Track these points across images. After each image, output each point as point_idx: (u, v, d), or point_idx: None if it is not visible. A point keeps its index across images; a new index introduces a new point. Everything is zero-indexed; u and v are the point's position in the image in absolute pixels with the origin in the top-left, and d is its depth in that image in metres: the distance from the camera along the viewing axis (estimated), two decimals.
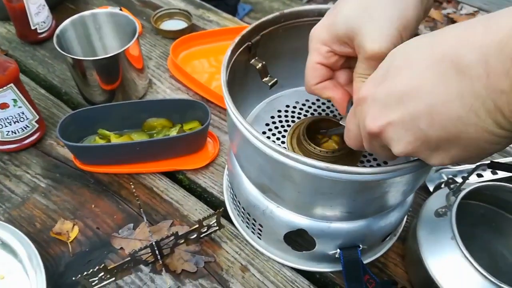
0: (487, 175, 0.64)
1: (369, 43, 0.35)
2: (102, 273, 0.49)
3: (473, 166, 0.64)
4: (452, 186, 0.51)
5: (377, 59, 0.34)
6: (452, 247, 0.47)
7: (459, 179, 0.62)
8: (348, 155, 0.51)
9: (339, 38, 0.38)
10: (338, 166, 0.38)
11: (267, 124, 0.58)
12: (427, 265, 0.49)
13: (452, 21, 2.49)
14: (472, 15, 2.46)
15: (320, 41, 0.40)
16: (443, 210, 0.50)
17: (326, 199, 0.43)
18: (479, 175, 0.64)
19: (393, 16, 0.35)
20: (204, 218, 0.52)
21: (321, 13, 0.54)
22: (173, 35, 0.83)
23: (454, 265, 0.47)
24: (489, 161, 0.46)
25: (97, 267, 0.47)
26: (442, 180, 0.61)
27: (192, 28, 0.86)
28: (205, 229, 0.54)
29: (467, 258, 0.46)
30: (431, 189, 0.61)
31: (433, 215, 0.51)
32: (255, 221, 0.53)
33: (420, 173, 0.43)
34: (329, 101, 0.61)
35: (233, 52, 0.48)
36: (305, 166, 0.39)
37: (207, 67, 0.79)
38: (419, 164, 0.37)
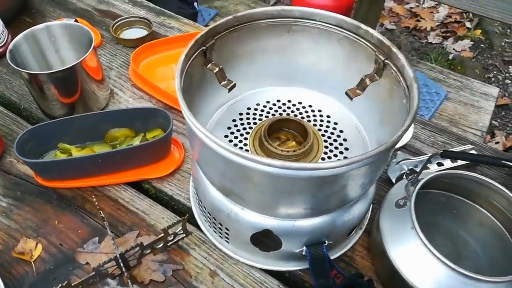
0: (447, 163, 0.66)
1: None
2: None
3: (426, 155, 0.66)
4: (410, 177, 0.53)
5: None
6: (413, 237, 0.49)
7: (431, 174, 0.64)
8: (308, 153, 0.52)
9: None
10: (294, 163, 0.38)
11: (229, 128, 0.58)
12: (390, 256, 0.50)
13: (415, 14, 2.55)
14: (434, 8, 2.53)
15: None
16: (403, 201, 0.52)
17: (287, 197, 0.44)
18: (440, 164, 0.66)
19: None
20: (169, 226, 0.52)
21: (273, 16, 0.55)
22: (134, 43, 0.82)
23: (416, 255, 0.48)
24: (442, 150, 0.48)
25: (60, 285, 0.46)
26: (403, 172, 0.62)
27: (153, 36, 0.85)
28: (172, 237, 0.54)
29: (427, 247, 0.47)
30: (393, 180, 0.63)
31: (394, 206, 0.52)
32: (222, 225, 0.53)
33: (376, 166, 0.44)
34: (289, 101, 0.61)
35: (187, 57, 0.48)
36: (262, 166, 0.39)
37: (170, 74, 0.79)
38: (372, 156, 0.38)
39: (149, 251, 0.53)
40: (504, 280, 0.44)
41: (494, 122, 1.98)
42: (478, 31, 2.42)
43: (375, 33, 0.51)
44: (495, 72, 2.21)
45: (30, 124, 0.71)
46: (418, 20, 2.53)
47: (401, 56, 0.48)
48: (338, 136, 0.57)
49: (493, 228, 0.56)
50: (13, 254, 0.54)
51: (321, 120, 0.59)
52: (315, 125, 0.58)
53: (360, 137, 0.57)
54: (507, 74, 2.20)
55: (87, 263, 0.54)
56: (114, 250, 0.54)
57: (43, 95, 0.66)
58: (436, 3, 2.56)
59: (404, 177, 0.62)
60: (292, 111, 0.60)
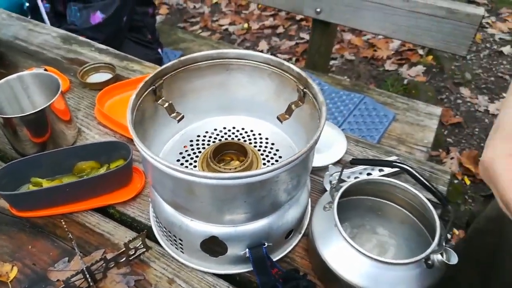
0: (375, 173, 0.76)
1: None
2: None
3: (359, 168, 0.76)
4: (334, 183, 0.62)
5: None
6: (337, 234, 0.58)
7: (351, 179, 0.74)
8: (249, 170, 0.62)
9: None
10: (222, 174, 0.48)
11: (181, 153, 0.67)
12: (320, 253, 0.58)
13: (372, 45, 2.75)
14: (389, 38, 2.73)
15: None
16: (329, 205, 0.61)
17: (224, 204, 0.53)
18: (369, 174, 0.76)
19: None
20: (130, 241, 0.59)
21: (213, 57, 0.66)
22: (99, 86, 0.92)
23: (340, 249, 0.57)
24: (352, 158, 0.58)
25: None
26: (335, 182, 0.72)
27: (116, 79, 0.95)
28: (133, 252, 0.62)
29: (347, 241, 0.56)
30: (328, 190, 0.72)
31: (323, 210, 0.62)
32: (176, 237, 0.61)
33: (293, 173, 0.53)
34: (233, 127, 0.71)
35: (138, 96, 0.58)
36: (199, 178, 0.48)
37: None
38: (281, 167, 0.48)
39: (113, 264, 0.60)
40: (407, 261, 0.53)
41: (448, 139, 2.13)
42: (430, 57, 2.63)
43: (295, 68, 0.62)
44: (447, 93, 2.40)
45: (4, 163, 0.78)
46: (375, 50, 2.73)
47: (315, 86, 0.59)
48: (275, 154, 0.67)
49: (412, 224, 0.66)
50: None
51: (261, 142, 0.69)
52: (255, 146, 0.68)
53: (293, 153, 0.66)
54: (458, 95, 2.38)
55: (58, 280, 0.60)
56: (83, 267, 0.61)
57: (16, 136, 0.74)
58: None
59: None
60: (236, 136, 0.70)
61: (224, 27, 2.92)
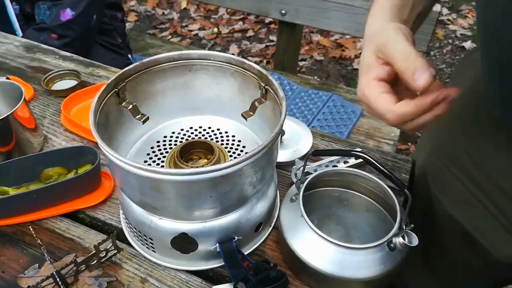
0: (341, 165, 0.79)
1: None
2: None
3: (325, 161, 0.79)
4: (299, 175, 0.64)
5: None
6: (304, 224, 0.59)
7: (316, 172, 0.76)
8: None
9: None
10: (182, 170, 0.49)
11: (148, 154, 0.68)
12: (289, 243, 0.60)
13: (340, 45, 2.81)
14: (356, 38, 2.79)
15: (380, 63, 0.49)
16: (295, 196, 0.63)
17: (190, 199, 0.54)
18: (335, 166, 0.79)
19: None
20: (100, 243, 0.60)
21: (175, 59, 0.67)
22: (65, 93, 0.91)
23: (308, 238, 0.59)
24: (313, 149, 0.60)
25: None
26: (299, 176, 0.74)
27: (82, 85, 0.95)
28: (104, 254, 0.62)
29: (313, 229, 0.58)
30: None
31: (289, 201, 0.64)
32: (146, 236, 0.62)
33: (256, 167, 0.55)
34: (200, 127, 0.72)
35: (100, 99, 0.59)
36: (162, 175, 0.49)
37: None
38: (241, 162, 0.49)
39: (84, 267, 0.60)
40: (371, 245, 0.56)
41: (417, 133, 2.20)
42: None
43: (256, 66, 0.64)
44: None
45: None
46: (343, 50, 2.79)
47: (275, 82, 0.61)
48: (241, 150, 0.68)
49: (377, 212, 0.68)
50: None
51: (227, 139, 0.70)
52: (222, 143, 0.70)
53: None
54: None
55: (28, 286, 0.60)
56: (53, 272, 0.61)
57: None
58: None
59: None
60: (203, 135, 0.71)
61: (194, 32, 2.93)
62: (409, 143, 2.13)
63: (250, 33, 2.93)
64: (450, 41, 2.90)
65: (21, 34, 1.33)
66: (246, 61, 0.65)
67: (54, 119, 0.88)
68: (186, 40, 2.86)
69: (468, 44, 2.80)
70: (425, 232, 0.73)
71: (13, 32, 1.31)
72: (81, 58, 1.06)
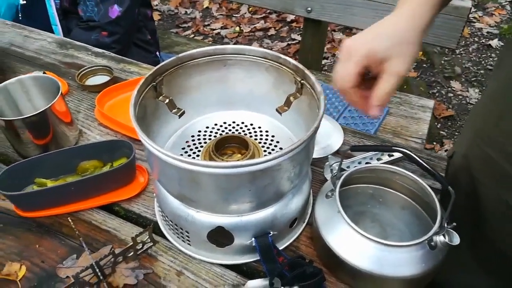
0: (374, 163, 0.78)
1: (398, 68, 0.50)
2: None
3: (358, 157, 0.78)
4: (334, 172, 0.64)
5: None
6: (340, 220, 0.59)
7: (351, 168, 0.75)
8: None
9: (375, 60, 0.50)
10: (225, 163, 0.49)
11: (183, 148, 0.68)
12: (325, 239, 0.60)
13: None
14: None
15: (362, 56, 0.50)
16: (331, 192, 0.63)
17: (228, 193, 0.54)
18: (368, 163, 0.77)
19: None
20: (137, 235, 0.60)
21: (209, 54, 0.67)
22: (98, 88, 0.93)
23: (344, 235, 0.58)
24: (346, 146, 0.59)
25: None
26: (335, 171, 0.73)
27: (115, 81, 0.96)
28: (141, 246, 0.62)
29: (351, 226, 0.57)
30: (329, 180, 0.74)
31: (325, 197, 0.63)
32: (182, 229, 0.62)
33: (295, 161, 0.54)
34: (233, 122, 0.73)
35: (139, 92, 0.59)
36: (204, 168, 0.49)
37: None
38: (283, 155, 0.49)
39: (121, 259, 0.61)
40: (411, 243, 0.55)
41: (442, 132, 2.16)
42: (420, 53, 2.66)
43: (291, 60, 0.64)
44: (438, 87, 2.43)
45: (7, 166, 0.78)
46: None
47: (312, 76, 0.60)
48: (275, 146, 0.68)
49: (412, 209, 0.67)
50: (0, 276, 0.61)
51: (261, 135, 0.70)
52: (256, 139, 0.70)
53: None
54: (449, 89, 2.42)
55: (67, 276, 0.61)
56: (90, 262, 0.62)
57: (19, 139, 0.75)
58: None
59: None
60: (237, 130, 0.71)
61: (216, 31, 2.94)
62: (434, 143, 2.09)
63: (272, 31, 2.92)
64: (476, 39, 2.83)
65: (59, 29, 1.34)
66: (281, 55, 0.65)
67: (88, 113, 0.89)
68: (208, 39, 2.87)
69: (494, 42, 2.73)
70: (471, 225, 0.71)
71: (49, 26, 1.33)
72: (112, 54, 1.07)
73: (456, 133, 2.14)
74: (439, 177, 0.55)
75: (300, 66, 0.62)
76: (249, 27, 2.97)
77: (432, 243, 0.56)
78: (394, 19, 0.53)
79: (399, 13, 0.53)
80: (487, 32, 2.86)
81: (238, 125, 0.72)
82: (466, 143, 0.75)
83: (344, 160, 0.77)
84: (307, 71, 0.61)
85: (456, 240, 0.55)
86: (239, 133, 0.71)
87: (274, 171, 0.52)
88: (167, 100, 0.65)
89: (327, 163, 0.75)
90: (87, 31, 1.29)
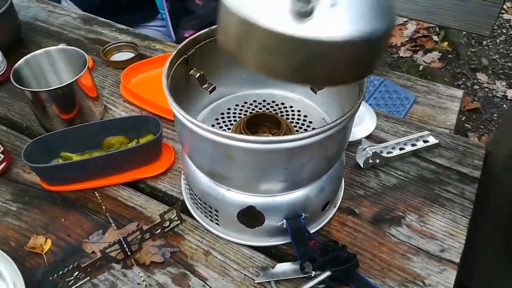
0: (408, 148, 0.74)
1: None
2: (77, 272, 0.54)
3: (391, 142, 0.75)
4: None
5: None
6: None
7: (384, 154, 0.72)
8: None
9: None
10: (264, 138, 0.46)
11: (213, 125, 0.66)
12: None
13: None
14: (403, 25, 2.68)
15: None
16: None
17: (263, 171, 0.51)
18: (401, 149, 0.74)
19: None
20: (165, 212, 0.59)
21: None
22: (123, 65, 0.91)
23: None
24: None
25: (71, 266, 0.52)
26: (368, 156, 0.70)
27: (140, 57, 0.94)
28: (168, 224, 0.61)
29: None
30: (361, 164, 0.71)
31: None
32: (211, 208, 0.60)
33: (333, 140, 0.51)
34: (264, 100, 0.70)
35: (172, 63, 0.57)
36: (239, 142, 0.47)
37: (157, 88, 0.87)
38: (325, 131, 0.46)
39: (148, 236, 0.59)
40: None
41: (466, 125, 2.10)
42: (446, 43, 2.58)
43: None
44: (463, 79, 2.36)
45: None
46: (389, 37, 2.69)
47: None
48: (308, 126, 0.65)
49: None
50: (26, 249, 0.60)
51: (293, 115, 0.68)
52: (287, 119, 0.67)
53: None
54: (475, 81, 2.34)
55: (93, 252, 0.60)
56: (117, 237, 0.60)
57: (44, 112, 0.74)
58: (405, 20, 2.74)
59: (370, 160, 0.71)
60: (267, 109, 0.69)
61: None
62: (459, 135, 2.03)
63: None
64: (504, 30, 2.73)
65: (165, 10, 1.28)
66: None
67: (113, 90, 0.87)
68: None
69: None
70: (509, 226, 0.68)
71: (155, 11, 1.29)
72: (137, 31, 1.05)
73: (481, 127, 2.08)
74: None
75: None
76: None
77: None
78: None
79: None
80: None
81: (268, 103, 0.70)
82: (509, 145, 0.71)
83: (376, 145, 0.74)
84: None
85: None
86: (270, 112, 0.68)
87: (313, 149, 0.49)
88: (198, 74, 0.62)
89: (360, 146, 0.72)
90: None
